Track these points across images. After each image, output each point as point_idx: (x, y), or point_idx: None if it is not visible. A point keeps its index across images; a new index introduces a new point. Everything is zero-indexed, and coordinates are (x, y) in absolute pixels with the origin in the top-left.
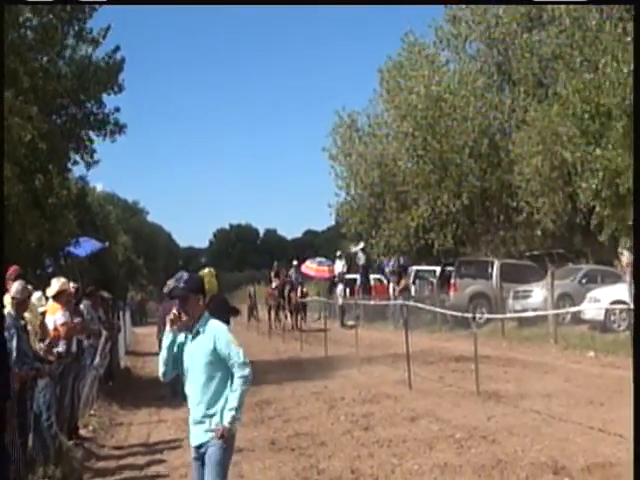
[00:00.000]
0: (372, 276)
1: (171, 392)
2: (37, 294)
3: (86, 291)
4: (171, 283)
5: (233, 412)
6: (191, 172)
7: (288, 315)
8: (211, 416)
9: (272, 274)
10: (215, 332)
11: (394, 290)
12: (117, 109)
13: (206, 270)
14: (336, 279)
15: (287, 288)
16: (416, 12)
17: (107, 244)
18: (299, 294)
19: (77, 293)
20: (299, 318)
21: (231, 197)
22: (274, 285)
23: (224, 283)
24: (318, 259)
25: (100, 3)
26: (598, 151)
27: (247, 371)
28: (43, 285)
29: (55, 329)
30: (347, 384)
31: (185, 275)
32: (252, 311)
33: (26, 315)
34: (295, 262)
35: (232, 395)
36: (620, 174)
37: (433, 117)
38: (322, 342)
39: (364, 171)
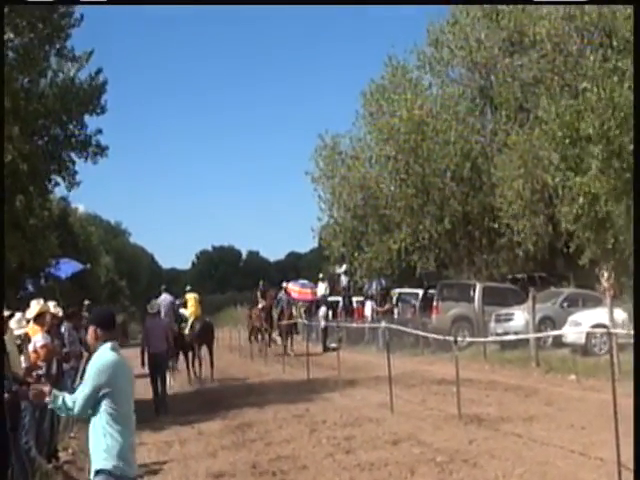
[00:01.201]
0: (355, 298)
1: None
2: (17, 316)
3: (67, 312)
4: (154, 305)
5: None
6: (174, 194)
7: (277, 338)
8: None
9: (258, 294)
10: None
11: (374, 312)
12: (99, 131)
13: (191, 295)
14: (319, 301)
15: (277, 310)
16: (399, 35)
17: (88, 266)
18: (288, 316)
19: (62, 317)
20: (289, 342)
21: (214, 219)
22: (260, 306)
23: (206, 305)
24: (301, 281)
25: (100, 3)
26: (578, 178)
27: (75, 406)
28: (23, 307)
29: (35, 351)
30: (329, 407)
31: (157, 301)
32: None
33: (5, 337)
34: (285, 284)
35: (67, 396)
36: (599, 199)
37: (415, 141)
38: (304, 365)
39: (347, 194)
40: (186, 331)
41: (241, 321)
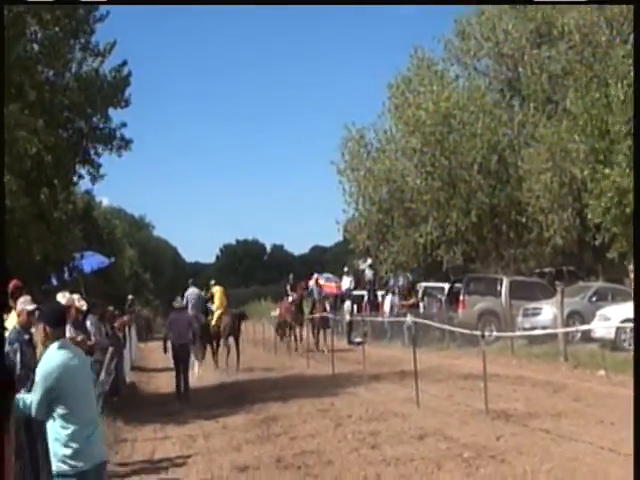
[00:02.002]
0: (379, 292)
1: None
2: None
3: (91, 305)
4: (179, 300)
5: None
6: (197, 187)
7: (308, 333)
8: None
9: (288, 287)
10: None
11: (394, 306)
12: (124, 124)
13: (217, 288)
14: (343, 295)
15: (308, 304)
16: (426, 27)
17: (113, 260)
18: (322, 310)
19: (88, 311)
20: (321, 337)
21: (238, 212)
22: (291, 299)
23: (230, 299)
24: (325, 275)
25: (100, 3)
26: (607, 170)
27: (32, 410)
28: (48, 300)
29: None
30: (354, 401)
31: (185, 293)
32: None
33: (32, 330)
34: (316, 275)
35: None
36: (626, 194)
37: (442, 133)
38: (329, 359)
39: (372, 187)
40: (213, 323)
41: (265, 315)
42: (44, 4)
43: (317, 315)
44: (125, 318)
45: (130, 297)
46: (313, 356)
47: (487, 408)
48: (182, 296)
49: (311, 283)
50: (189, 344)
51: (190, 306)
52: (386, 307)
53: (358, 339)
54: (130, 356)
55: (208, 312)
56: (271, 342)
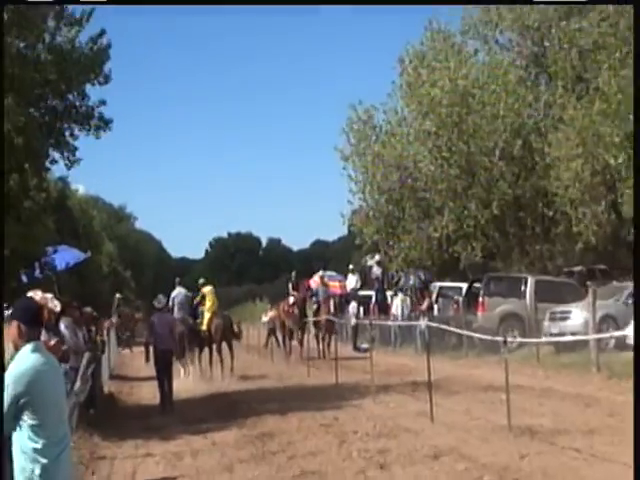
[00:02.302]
0: (389, 293)
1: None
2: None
3: (66, 307)
4: (161, 299)
5: None
6: (185, 174)
7: (307, 339)
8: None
9: (289, 286)
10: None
11: (404, 308)
12: (102, 102)
13: (208, 288)
14: (348, 296)
15: (312, 305)
16: None
17: (89, 254)
18: (327, 312)
19: (62, 312)
20: (325, 343)
21: (230, 202)
22: (292, 300)
23: (222, 299)
24: (328, 273)
25: (100, 3)
26: None
27: None
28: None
29: None
30: (360, 415)
31: (172, 295)
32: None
33: None
34: (321, 272)
35: None
36: None
37: (459, 114)
38: (332, 367)
39: (381, 174)
40: (203, 327)
41: (260, 317)
42: (44, 4)
43: (323, 318)
44: (113, 320)
45: (118, 296)
46: (314, 364)
47: (510, 424)
48: (168, 295)
49: (314, 281)
50: (172, 350)
51: (177, 308)
52: (396, 309)
53: (365, 345)
54: (109, 363)
55: (197, 315)
56: (267, 348)
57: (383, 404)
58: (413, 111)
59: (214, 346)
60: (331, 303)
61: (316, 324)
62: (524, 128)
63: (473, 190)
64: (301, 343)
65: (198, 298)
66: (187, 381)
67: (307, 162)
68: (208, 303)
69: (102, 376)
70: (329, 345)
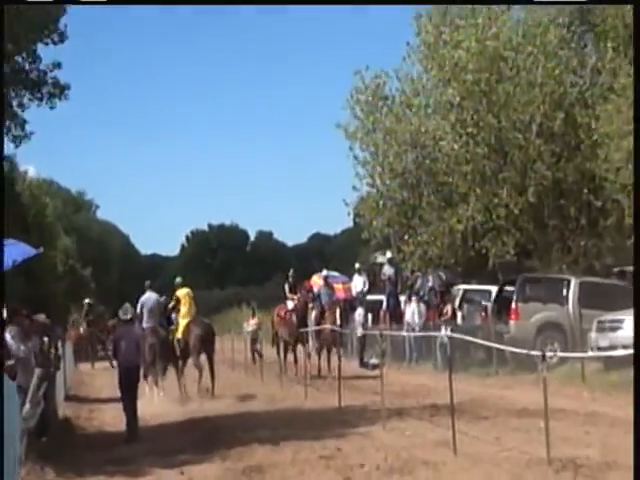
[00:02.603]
0: (403, 297)
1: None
2: None
3: (12, 314)
4: (127, 309)
5: None
6: (157, 154)
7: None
8: None
9: (286, 288)
10: None
11: (420, 316)
12: (57, 65)
13: (184, 291)
14: (354, 301)
15: (314, 311)
16: None
17: (41, 250)
18: (333, 321)
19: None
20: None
21: (211, 188)
22: (290, 306)
23: (202, 305)
24: (330, 273)
25: (100, 3)
26: None
27: None
28: None
29: None
30: (368, 446)
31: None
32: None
33: None
34: (325, 272)
35: None
36: None
37: (488, 82)
38: (334, 387)
39: (394, 154)
40: (178, 336)
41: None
42: (44, 4)
43: (327, 328)
44: (81, 330)
45: (87, 301)
46: (313, 383)
47: (549, 456)
48: (136, 302)
49: (314, 283)
50: (139, 367)
51: (147, 316)
52: (410, 317)
53: (374, 360)
54: (64, 381)
55: (171, 323)
56: (256, 364)
57: (396, 432)
58: (433, 78)
59: (191, 359)
60: (337, 310)
61: (318, 335)
62: (566, 98)
63: (504, 173)
64: (297, 359)
65: (172, 303)
66: (158, 402)
67: (304, 141)
68: (183, 308)
69: (56, 397)
70: (329, 361)
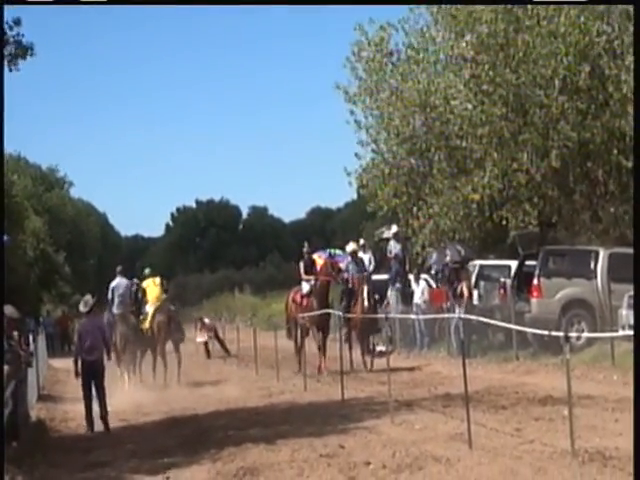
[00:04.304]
0: (412, 276)
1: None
2: None
3: None
4: (87, 301)
5: None
6: (136, 125)
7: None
8: None
9: (301, 267)
10: None
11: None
12: (16, 22)
13: (150, 280)
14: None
15: (343, 293)
16: None
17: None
18: (366, 304)
19: None
20: (365, 349)
21: (198, 160)
22: (306, 289)
23: (190, 290)
24: (330, 251)
25: (100, 3)
26: None
27: None
28: None
29: None
30: (374, 441)
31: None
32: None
33: None
34: (352, 246)
35: None
36: None
37: (506, 32)
38: (336, 378)
39: (401, 117)
40: (146, 325)
41: (241, 313)
42: (44, 4)
43: (356, 314)
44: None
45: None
46: (312, 374)
47: (574, 447)
48: (107, 288)
49: (344, 261)
50: (102, 359)
51: (117, 302)
52: (419, 298)
53: (380, 347)
54: (37, 380)
55: (141, 312)
56: (249, 354)
57: (405, 425)
58: (443, 29)
59: (157, 348)
60: (365, 289)
61: (349, 322)
62: (593, 49)
63: (524, 135)
64: (324, 350)
65: (140, 293)
66: (137, 396)
67: (300, 105)
68: (150, 296)
69: (28, 397)
70: (370, 353)
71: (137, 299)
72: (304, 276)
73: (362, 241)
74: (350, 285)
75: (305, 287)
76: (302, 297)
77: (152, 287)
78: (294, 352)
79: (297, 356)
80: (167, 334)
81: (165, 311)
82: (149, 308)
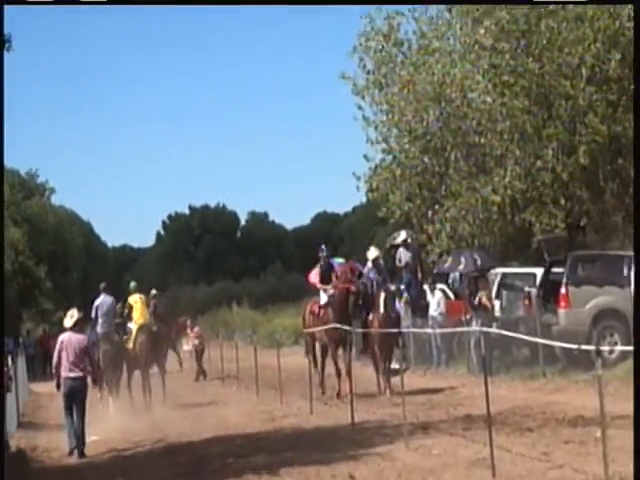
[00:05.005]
0: (427, 287)
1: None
2: None
3: None
4: (74, 314)
5: None
6: (124, 124)
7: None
8: None
9: (317, 273)
10: None
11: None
12: None
13: (136, 296)
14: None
15: (360, 302)
16: None
17: None
18: (384, 319)
19: None
20: (385, 369)
21: (192, 162)
22: (324, 299)
23: (184, 304)
24: (338, 260)
25: (100, 3)
26: None
27: None
28: None
29: None
30: (388, 469)
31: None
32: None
33: None
34: (373, 251)
35: None
36: None
37: (527, 18)
38: (345, 400)
39: (413, 111)
40: (130, 345)
41: (240, 328)
42: (44, 4)
43: (376, 323)
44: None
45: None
46: (318, 395)
47: (607, 474)
48: (90, 306)
49: (366, 267)
50: (84, 378)
51: (101, 321)
52: (434, 309)
53: (393, 364)
54: (17, 406)
55: (127, 331)
56: (250, 374)
57: (421, 451)
58: (459, 15)
59: (140, 370)
60: (381, 296)
61: (366, 338)
62: (624, 35)
63: (549, 130)
64: (349, 372)
65: (125, 310)
66: (121, 421)
67: (303, 101)
68: (135, 315)
69: (7, 425)
70: (388, 373)
71: (122, 317)
72: (320, 285)
73: (372, 249)
74: (370, 294)
75: (323, 297)
76: (320, 308)
77: (140, 304)
78: (315, 372)
79: (318, 376)
80: (149, 355)
81: (147, 331)
82: (134, 328)
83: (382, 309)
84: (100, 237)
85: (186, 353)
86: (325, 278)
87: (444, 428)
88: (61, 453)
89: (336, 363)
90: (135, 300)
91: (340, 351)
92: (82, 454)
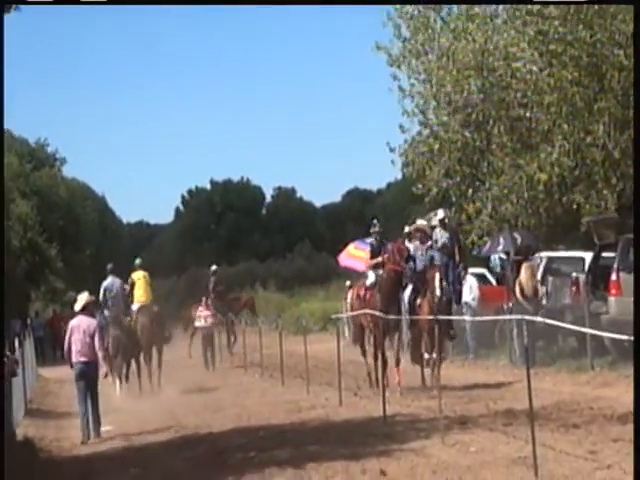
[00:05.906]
0: (472, 270)
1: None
2: None
3: None
4: (82, 299)
5: None
6: (140, 93)
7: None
8: None
9: (368, 251)
10: None
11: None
12: None
13: (139, 274)
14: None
15: (411, 287)
16: None
17: None
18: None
19: None
20: (434, 359)
21: (214, 134)
22: (372, 278)
23: (205, 285)
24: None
25: (100, 3)
26: None
27: None
28: None
29: None
30: (422, 466)
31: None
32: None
33: None
34: (441, 213)
35: None
36: None
37: None
38: (376, 391)
39: (453, 82)
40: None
41: (266, 313)
42: (44, 4)
43: (426, 310)
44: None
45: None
46: (348, 386)
47: None
48: (99, 287)
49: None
50: (95, 362)
51: (110, 304)
52: (467, 295)
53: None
54: (24, 392)
55: (129, 313)
56: (274, 362)
57: (458, 447)
58: None
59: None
60: (437, 278)
61: (414, 324)
62: None
63: (600, 103)
64: (397, 362)
65: (127, 287)
66: (134, 408)
67: (333, 70)
68: (137, 293)
69: (13, 413)
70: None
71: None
72: (370, 262)
73: (407, 229)
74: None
75: (371, 276)
76: (366, 290)
77: (142, 281)
78: (364, 362)
79: (367, 367)
80: (150, 337)
81: (148, 312)
82: (134, 307)
83: (438, 291)
84: (115, 212)
85: (197, 333)
86: (376, 256)
87: (483, 423)
88: (71, 443)
89: (383, 352)
90: (138, 277)
91: (387, 338)
92: (98, 435)
